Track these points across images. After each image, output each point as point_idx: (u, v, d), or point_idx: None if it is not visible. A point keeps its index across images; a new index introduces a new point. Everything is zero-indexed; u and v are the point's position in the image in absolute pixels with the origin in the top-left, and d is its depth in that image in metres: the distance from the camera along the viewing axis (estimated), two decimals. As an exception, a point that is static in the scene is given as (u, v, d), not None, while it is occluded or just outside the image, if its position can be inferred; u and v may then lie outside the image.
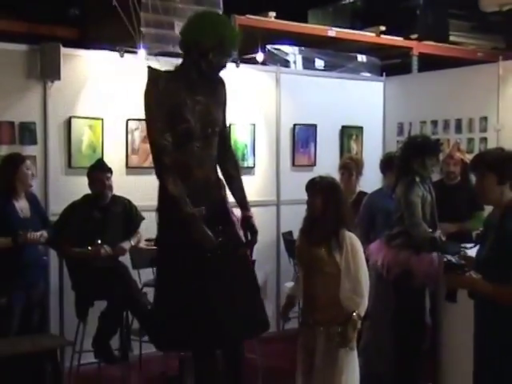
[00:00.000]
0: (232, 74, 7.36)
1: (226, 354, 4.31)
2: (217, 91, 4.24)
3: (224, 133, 4.35)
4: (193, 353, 4.26)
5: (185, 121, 3.99)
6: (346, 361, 4.18)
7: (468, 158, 6.53)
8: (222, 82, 4.30)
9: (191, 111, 4.02)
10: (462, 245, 4.96)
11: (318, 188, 4.28)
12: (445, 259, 3.86)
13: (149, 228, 6.17)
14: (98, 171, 5.86)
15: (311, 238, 4.28)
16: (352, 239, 4.24)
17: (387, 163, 6.13)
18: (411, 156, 5.40)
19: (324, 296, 4.20)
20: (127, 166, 6.75)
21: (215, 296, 3.97)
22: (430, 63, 8.74)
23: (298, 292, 4.49)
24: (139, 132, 6.78)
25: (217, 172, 4.28)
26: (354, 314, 4.13)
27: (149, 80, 4.04)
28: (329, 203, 4.25)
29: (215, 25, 4.10)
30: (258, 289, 4.38)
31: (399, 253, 5.29)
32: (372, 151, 8.25)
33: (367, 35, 8.90)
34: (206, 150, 4.11)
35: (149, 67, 4.12)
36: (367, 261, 5.38)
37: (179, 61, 7.01)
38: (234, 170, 4.38)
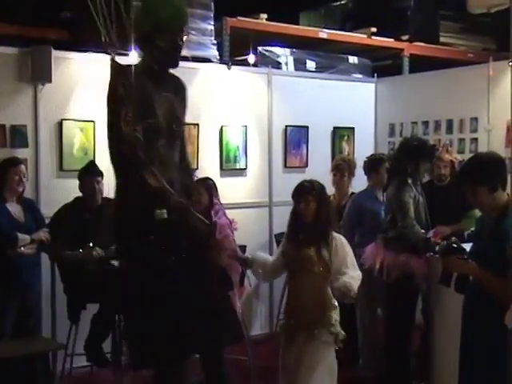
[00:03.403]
0: (223, 76, 7.41)
1: (204, 366, 4.39)
2: (179, 92, 4.01)
3: (183, 138, 4.07)
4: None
5: (154, 115, 3.74)
6: (326, 358, 4.23)
7: (455, 157, 6.55)
8: (183, 85, 4.04)
9: (159, 106, 3.78)
10: None
11: (313, 192, 4.28)
12: (445, 242, 3.87)
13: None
14: (88, 175, 5.85)
15: (299, 241, 4.29)
16: (341, 240, 4.28)
17: (371, 164, 6.16)
18: (406, 158, 5.41)
19: (311, 297, 4.22)
20: (119, 169, 6.73)
21: (176, 309, 3.65)
22: (420, 64, 8.75)
23: (262, 270, 4.52)
24: (131, 134, 6.76)
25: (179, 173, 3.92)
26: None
27: (115, 73, 3.88)
28: (322, 206, 4.27)
29: (148, 9, 3.85)
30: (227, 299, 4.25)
31: (398, 255, 5.30)
32: (363, 152, 8.20)
33: (358, 37, 8.91)
34: (169, 150, 3.83)
35: (112, 60, 3.99)
36: (362, 265, 5.43)
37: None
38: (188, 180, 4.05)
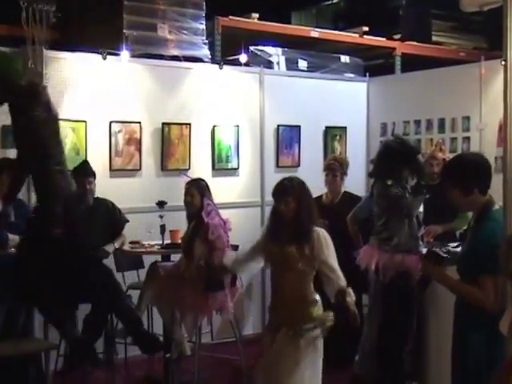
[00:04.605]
0: (215, 76, 7.41)
1: None
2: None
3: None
4: None
5: None
6: (310, 355, 4.20)
7: (448, 156, 6.56)
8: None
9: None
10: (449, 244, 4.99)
11: (293, 191, 4.26)
12: (429, 248, 3.87)
13: (133, 230, 6.18)
14: (80, 175, 5.84)
15: (281, 239, 4.26)
16: (318, 233, 4.24)
17: None
18: (389, 163, 5.38)
19: (293, 294, 4.21)
20: (111, 169, 6.73)
21: None
22: (412, 63, 8.76)
23: (238, 267, 4.64)
24: (122, 134, 6.77)
25: None
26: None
27: None
28: (302, 204, 4.24)
29: None
30: None
31: (393, 255, 5.28)
32: (356, 151, 8.28)
33: (350, 36, 8.91)
34: None
35: None
36: (358, 266, 5.42)
37: (161, 62, 7.10)
38: None
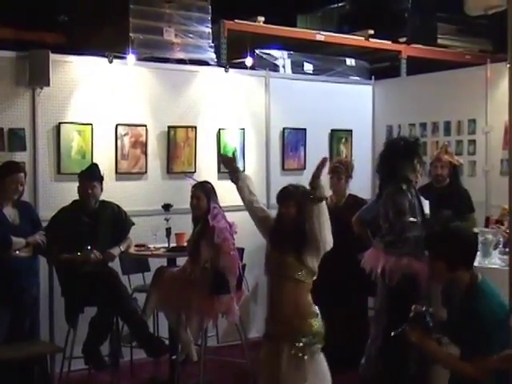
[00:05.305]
0: (221, 79, 7.42)
1: None
2: None
3: None
4: None
5: None
6: (313, 370, 4.18)
7: (457, 159, 6.56)
8: None
9: None
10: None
11: (294, 197, 4.24)
12: (417, 309, 3.78)
13: (139, 233, 6.19)
14: (84, 179, 5.85)
15: (282, 247, 4.24)
16: None
17: None
18: (399, 160, 5.37)
19: (290, 305, 4.17)
20: (116, 172, 6.74)
21: None
22: (418, 66, 8.75)
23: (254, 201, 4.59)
24: (128, 137, 6.78)
25: None
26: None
27: None
28: (304, 212, 4.20)
29: None
30: None
31: (400, 258, 5.26)
32: (361, 154, 8.27)
33: (356, 39, 8.91)
34: None
35: None
36: (363, 269, 5.40)
37: (167, 66, 7.12)
38: None
